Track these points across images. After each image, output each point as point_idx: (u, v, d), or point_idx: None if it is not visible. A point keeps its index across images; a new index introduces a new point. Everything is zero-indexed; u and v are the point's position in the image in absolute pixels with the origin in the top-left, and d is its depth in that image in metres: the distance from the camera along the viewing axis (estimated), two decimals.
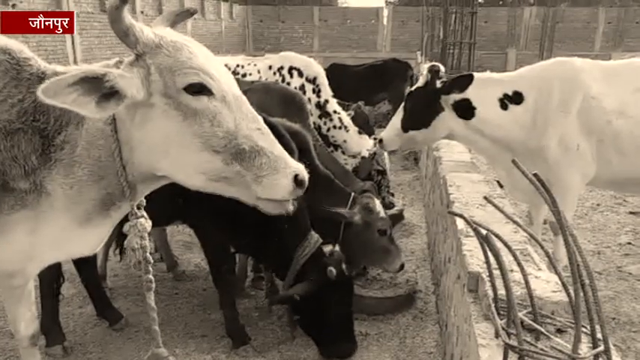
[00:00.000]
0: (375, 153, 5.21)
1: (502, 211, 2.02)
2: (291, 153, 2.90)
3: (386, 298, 3.61)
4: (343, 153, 5.64)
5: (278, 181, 1.65)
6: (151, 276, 1.91)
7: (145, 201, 1.89)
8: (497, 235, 1.77)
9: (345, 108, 7.96)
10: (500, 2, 31.31)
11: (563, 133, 3.38)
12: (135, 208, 1.83)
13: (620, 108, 3.34)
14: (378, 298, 3.60)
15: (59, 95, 1.47)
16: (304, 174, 1.70)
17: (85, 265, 3.38)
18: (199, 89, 1.60)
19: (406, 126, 3.68)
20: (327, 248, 3.02)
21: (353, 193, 3.47)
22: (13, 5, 11.35)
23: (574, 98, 3.37)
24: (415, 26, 24.43)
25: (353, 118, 8.21)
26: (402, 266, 3.51)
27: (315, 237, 2.99)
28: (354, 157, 5.56)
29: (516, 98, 3.49)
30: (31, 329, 2.32)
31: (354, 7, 28.65)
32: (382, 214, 3.43)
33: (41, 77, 1.73)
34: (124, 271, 4.33)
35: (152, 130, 1.63)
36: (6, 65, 1.72)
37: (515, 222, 2.16)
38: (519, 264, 1.74)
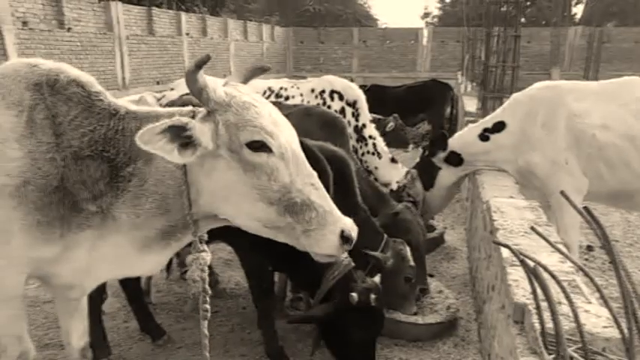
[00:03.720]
0: (404, 185, 5.13)
1: (549, 242, 1.98)
2: (326, 176, 2.94)
3: (427, 324, 3.56)
4: (375, 179, 5.59)
5: (325, 237, 1.77)
6: (207, 306, 2.01)
7: (206, 235, 2.00)
8: (544, 267, 1.74)
9: (382, 122, 7.98)
10: (544, 22, 30.76)
11: (549, 150, 3.75)
12: (198, 242, 1.95)
13: (603, 122, 3.63)
14: (419, 324, 3.55)
15: (151, 142, 1.65)
16: (351, 230, 1.79)
17: (129, 281, 3.48)
18: (260, 146, 1.74)
19: (425, 188, 4.66)
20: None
21: (386, 236, 3.49)
22: (69, 29, 12.00)
23: (557, 117, 3.76)
24: (455, 47, 24.27)
25: (393, 130, 8.24)
26: (415, 312, 3.69)
27: (346, 261, 2.99)
28: (385, 185, 5.51)
29: (497, 127, 4.09)
30: (83, 342, 2.42)
31: (394, 27, 28.69)
32: (411, 262, 3.53)
33: (113, 114, 1.90)
34: (168, 287, 4.44)
35: (217, 179, 1.79)
36: (79, 97, 1.89)
37: (562, 253, 2.12)
38: (568, 297, 1.70)
